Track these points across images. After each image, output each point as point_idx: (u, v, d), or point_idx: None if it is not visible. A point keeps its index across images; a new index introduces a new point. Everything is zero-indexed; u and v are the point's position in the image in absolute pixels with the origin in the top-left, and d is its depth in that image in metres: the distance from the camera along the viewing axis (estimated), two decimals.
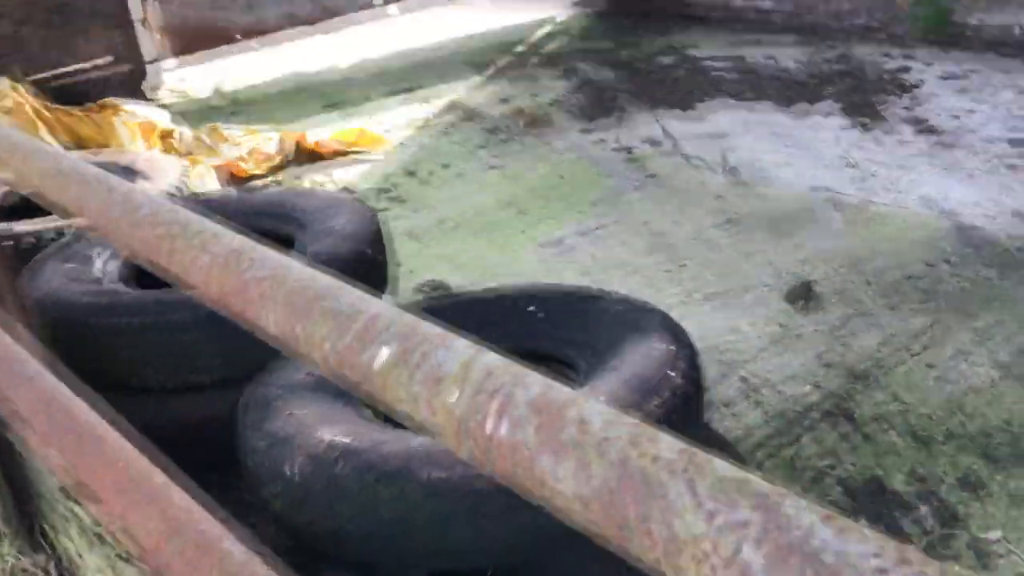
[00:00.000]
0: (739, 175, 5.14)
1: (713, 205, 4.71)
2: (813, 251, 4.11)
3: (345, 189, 5.38)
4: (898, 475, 2.62)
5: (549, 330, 2.64)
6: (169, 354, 2.73)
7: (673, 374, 2.15)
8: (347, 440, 1.97)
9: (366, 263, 3.05)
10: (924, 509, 2.47)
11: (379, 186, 5.42)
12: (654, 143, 5.85)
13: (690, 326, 3.44)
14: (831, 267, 3.95)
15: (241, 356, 2.70)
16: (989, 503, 2.48)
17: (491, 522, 1.80)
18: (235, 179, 5.76)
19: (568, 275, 4.06)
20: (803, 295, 3.71)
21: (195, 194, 4.23)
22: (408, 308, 2.86)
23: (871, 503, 2.51)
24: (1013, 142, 5.36)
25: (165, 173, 4.30)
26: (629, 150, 5.70)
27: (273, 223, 3.48)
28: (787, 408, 2.97)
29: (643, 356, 2.22)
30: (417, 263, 4.32)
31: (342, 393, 2.36)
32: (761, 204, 4.69)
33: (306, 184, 5.54)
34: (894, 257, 4.00)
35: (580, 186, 5.17)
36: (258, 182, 5.63)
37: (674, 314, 3.62)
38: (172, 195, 3.97)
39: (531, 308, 2.73)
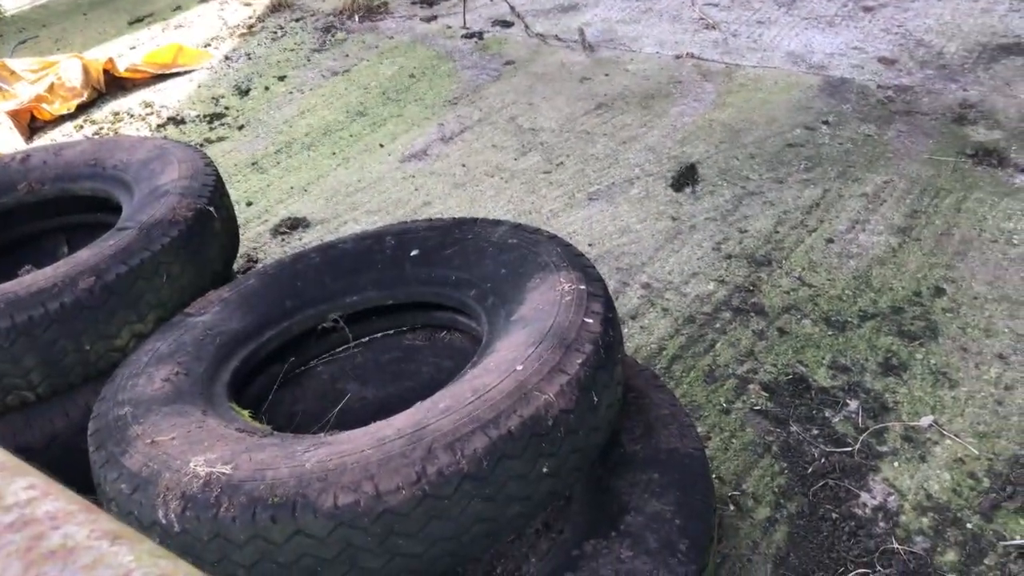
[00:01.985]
0: (599, 51, 4.82)
1: (580, 90, 4.40)
2: (690, 128, 3.90)
3: (171, 120, 4.75)
4: (820, 369, 2.51)
5: (437, 275, 2.31)
6: None
7: (591, 321, 1.90)
8: (226, 470, 1.64)
9: (212, 224, 2.60)
10: (853, 404, 2.37)
11: (209, 111, 4.81)
12: (504, 24, 5.43)
13: (579, 232, 3.21)
14: (711, 144, 3.75)
15: (70, 362, 2.27)
16: (915, 386, 2.41)
17: (408, 543, 1.54)
18: (38, 123, 5.00)
19: (439, 190, 3.71)
20: (689, 179, 3.51)
21: None
22: (276, 266, 2.48)
23: (799, 404, 2.39)
24: None
25: None
26: (480, 35, 5.27)
27: (90, 186, 2.95)
28: (695, 312, 2.80)
29: (551, 301, 1.95)
30: (267, 198, 3.85)
31: (207, 398, 1.99)
32: (628, 82, 4.42)
33: (125, 120, 4.86)
34: (772, 124, 3.84)
35: (434, 83, 4.74)
36: (70, 125, 4.89)
37: (560, 220, 3.38)
38: None
39: (413, 252, 2.40)
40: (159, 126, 4.72)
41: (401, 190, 3.77)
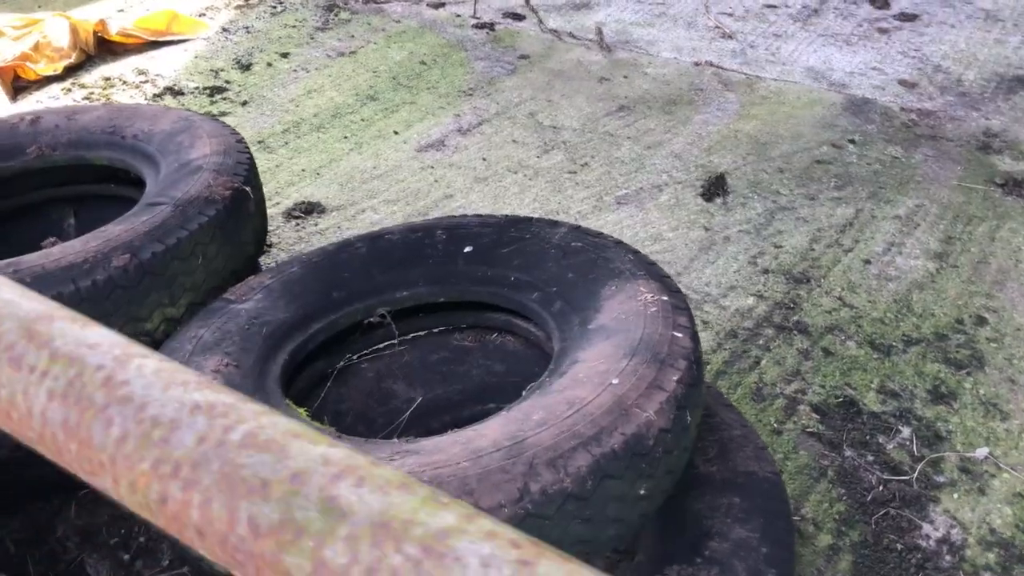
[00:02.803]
0: (616, 52, 4.75)
1: (599, 90, 4.32)
2: (716, 138, 3.85)
3: (169, 91, 4.54)
4: (869, 393, 2.46)
5: (494, 275, 2.21)
6: None
7: (680, 335, 1.81)
8: None
9: (247, 205, 2.45)
10: (906, 431, 2.34)
11: (209, 84, 4.60)
12: (515, 16, 5.32)
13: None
14: (738, 155, 3.70)
15: None
16: (966, 415, 2.38)
17: None
18: (22, 83, 4.73)
19: (460, 183, 3.59)
20: (719, 190, 3.45)
21: None
22: (319, 254, 2.34)
23: (852, 429, 2.34)
24: (874, 1, 5.27)
25: None
26: (491, 26, 5.15)
27: (107, 155, 2.76)
28: (736, 326, 2.74)
29: (635, 312, 1.86)
30: (277, 180, 3.69)
31: (261, 393, 1.86)
32: (649, 86, 4.35)
33: (118, 86, 4.63)
34: (799, 139, 3.81)
35: (446, 72, 4.61)
36: (57, 87, 4.64)
37: (589, 223, 3.29)
38: None
39: (467, 248, 2.29)
40: (155, 95, 4.50)
41: (420, 180, 3.64)
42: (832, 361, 2.59)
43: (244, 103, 4.39)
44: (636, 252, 2.16)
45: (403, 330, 2.29)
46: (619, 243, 2.21)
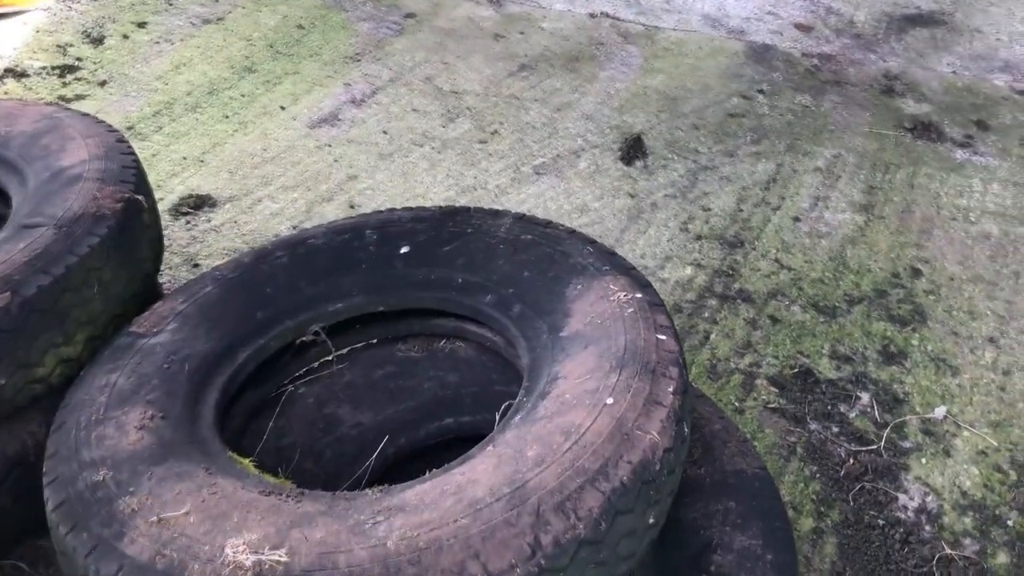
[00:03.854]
0: (506, 6, 4.51)
1: (496, 49, 4.09)
2: (625, 95, 3.71)
3: (10, 73, 4.00)
4: (822, 359, 2.42)
5: (437, 277, 2.00)
6: None
7: (664, 338, 1.67)
8: (280, 557, 1.29)
9: (141, 217, 2.13)
10: (865, 397, 2.31)
11: (57, 62, 4.09)
12: None
13: (533, 211, 2.97)
14: (651, 113, 3.58)
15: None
16: (919, 375, 2.37)
17: None
18: None
19: (362, 162, 3.32)
20: (638, 152, 3.33)
21: None
22: (234, 269, 2.06)
23: (812, 400, 2.29)
24: None
25: None
26: None
27: None
28: (679, 299, 2.64)
29: (610, 315, 1.70)
30: (156, 171, 3.30)
31: (200, 448, 1.60)
32: (547, 42, 4.15)
33: None
34: (708, 92, 3.72)
35: (328, 36, 4.26)
36: None
37: (510, 198, 3.11)
38: None
39: (403, 248, 2.06)
40: None
41: (317, 161, 3.34)
42: (780, 329, 2.53)
43: (102, 83, 3.92)
44: (594, 242, 1.99)
45: (339, 345, 2.06)
46: (573, 233, 2.04)
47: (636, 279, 1.83)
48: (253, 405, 1.93)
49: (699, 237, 2.89)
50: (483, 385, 2.05)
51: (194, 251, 2.86)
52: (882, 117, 3.51)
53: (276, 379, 1.98)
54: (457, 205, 2.30)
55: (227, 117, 3.64)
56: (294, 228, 3.01)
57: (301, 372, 2.03)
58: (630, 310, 1.71)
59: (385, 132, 3.50)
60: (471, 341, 2.07)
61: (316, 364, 2.04)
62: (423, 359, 2.10)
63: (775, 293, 2.66)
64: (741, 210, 3.02)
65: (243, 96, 3.79)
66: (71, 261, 1.89)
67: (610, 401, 1.50)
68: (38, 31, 4.38)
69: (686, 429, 1.56)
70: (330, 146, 3.43)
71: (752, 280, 2.71)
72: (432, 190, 3.17)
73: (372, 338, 2.10)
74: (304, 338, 1.99)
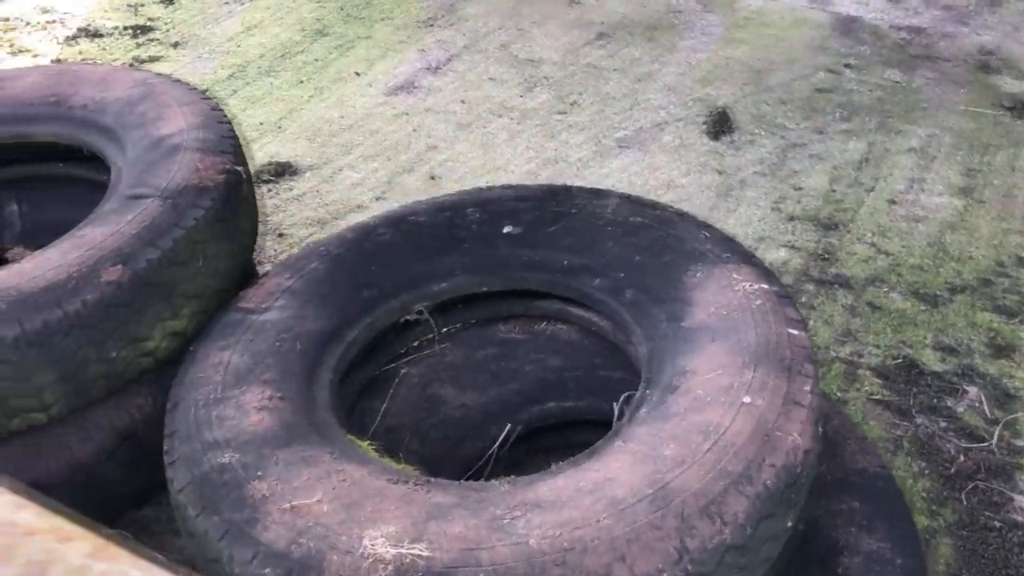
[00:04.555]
0: None
1: (572, 15, 3.99)
2: (707, 67, 3.60)
3: (84, 32, 3.98)
4: (925, 350, 2.35)
5: (543, 259, 1.95)
6: None
7: (796, 332, 1.62)
8: (421, 551, 1.26)
9: (241, 189, 2.10)
10: (972, 391, 2.23)
11: (130, 22, 4.06)
12: None
13: (618, 185, 2.90)
14: (735, 86, 3.48)
15: (93, 375, 1.78)
16: None
17: None
18: None
19: (441, 132, 3.26)
20: (724, 127, 3.23)
21: None
22: (339, 245, 2.02)
23: (918, 392, 2.23)
24: None
25: None
26: None
27: (53, 130, 2.33)
28: None
29: (736, 306, 1.65)
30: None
31: (320, 430, 1.58)
32: (624, 9, 4.04)
33: (20, 29, 4.04)
34: (793, 65, 3.60)
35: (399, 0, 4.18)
36: None
37: (592, 171, 3.05)
38: None
39: (507, 228, 2.02)
40: (68, 38, 3.95)
41: (396, 130, 3.29)
42: (881, 317, 2.45)
43: (175, 44, 3.89)
44: (709, 227, 1.93)
45: (441, 325, 2.02)
46: (684, 215, 1.98)
47: (759, 268, 1.77)
48: (360, 385, 1.90)
49: (792, 218, 2.81)
50: (587, 369, 2.01)
51: (278, 220, 2.84)
52: (978, 95, 3.38)
53: (380, 359, 1.96)
54: (558, 184, 2.25)
55: (302, 82, 3.59)
56: (376, 199, 2.97)
57: (404, 352, 2.00)
58: (758, 302, 1.65)
59: (463, 101, 3.44)
60: (575, 324, 2.02)
61: (418, 343, 2.01)
62: (525, 341, 2.06)
63: (873, 279, 2.58)
64: (834, 190, 2.93)
65: (316, 60, 3.74)
66: (178, 234, 1.87)
67: (747, 400, 1.45)
68: None
69: (821, 429, 1.51)
70: (408, 114, 3.38)
71: (849, 264, 2.63)
72: (513, 162, 3.11)
73: (473, 318, 2.06)
74: (408, 317, 1.96)
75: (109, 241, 1.82)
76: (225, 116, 2.27)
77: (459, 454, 1.92)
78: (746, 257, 1.79)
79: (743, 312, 1.63)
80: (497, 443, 1.82)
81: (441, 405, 1.97)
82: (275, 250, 2.73)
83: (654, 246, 1.87)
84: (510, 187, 2.18)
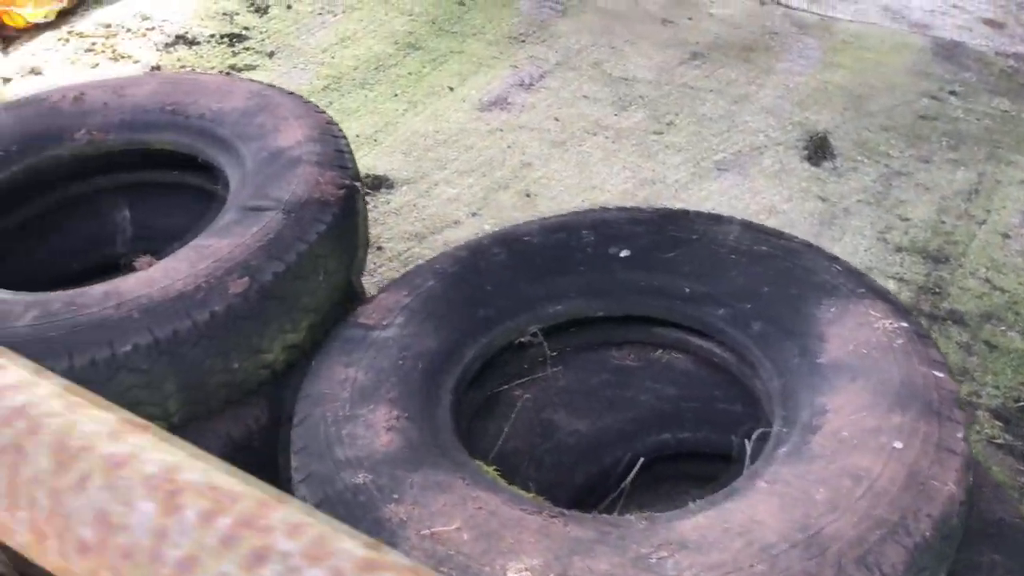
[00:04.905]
0: None
1: (665, 34, 3.95)
2: (806, 90, 3.54)
3: (181, 40, 4.06)
4: None
5: (662, 285, 1.91)
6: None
7: (941, 375, 1.56)
8: None
9: (358, 204, 2.10)
10: None
11: (225, 31, 4.13)
12: None
13: (719, 209, 2.84)
14: (835, 111, 3.41)
15: (215, 384, 1.79)
16: None
17: None
18: (10, 32, 4.21)
19: (535, 149, 3.25)
20: (824, 152, 3.17)
21: None
22: (452, 263, 2.01)
23: None
24: None
25: None
26: None
27: (170, 138, 2.37)
28: None
29: (876, 344, 1.59)
30: None
31: (448, 454, 1.56)
32: (718, 29, 3.99)
33: (121, 35, 4.13)
34: (894, 91, 3.52)
35: (490, 14, 4.19)
36: (52, 36, 4.13)
37: (691, 194, 3.00)
38: None
39: (623, 252, 1.98)
40: (167, 45, 4.03)
41: (490, 146, 3.29)
42: (999, 356, 2.37)
43: (270, 54, 3.94)
44: (837, 259, 1.88)
45: (553, 348, 2.00)
46: (810, 246, 1.93)
47: (895, 305, 1.71)
48: (474, 407, 1.89)
49: (899, 249, 2.73)
50: (704, 401, 1.97)
51: (376, 233, 2.84)
52: None
53: (493, 380, 1.94)
54: (675, 207, 2.22)
55: (396, 95, 3.62)
56: (472, 215, 2.97)
57: (516, 374, 1.98)
58: (899, 341, 1.60)
59: (556, 119, 3.42)
60: (692, 354, 1.98)
61: (530, 366, 1.99)
62: (639, 368, 2.03)
63: (989, 316, 2.49)
64: (943, 222, 2.84)
65: (410, 74, 3.76)
66: (302, 248, 1.88)
67: (899, 445, 1.39)
68: None
69: (971, 478, 1.45)
70: (502, 131, 3.37)
71: (962, 300, 2.55)
72: (609, 182, 3.08)
73: (585, 343, 2.03)
74: (521, 339, 1.94)
75: (235, 253, 1.83)
76: (340, 130, 2.29)
77: (572, 481, 1.90)
78: (881, 293, 1.74)
79: (884, 351, 1.58)
80: (629, 477, 1.78)
81: (555, 431, 1.94)
82: (374, 263, 2.74)
83: (782, 277, 1.83)
84: (623, 209, 2.16)
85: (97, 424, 0.55)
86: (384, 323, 1.83)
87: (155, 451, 0.53)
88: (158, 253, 2.01)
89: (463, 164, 3.19)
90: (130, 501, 0.50)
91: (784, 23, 4.04)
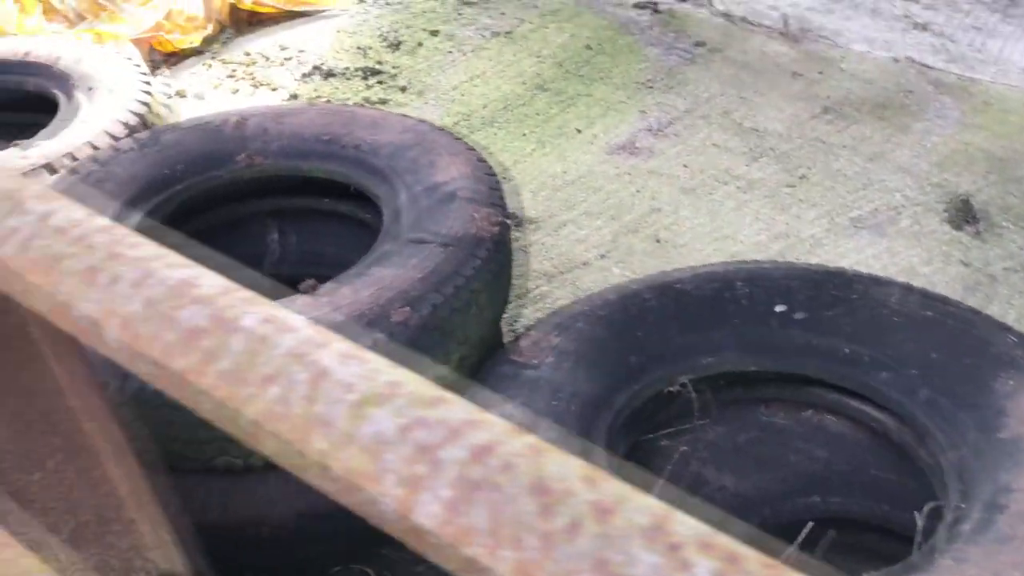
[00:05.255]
0: (803, 43, 4.32)
1: (796, 87, 3.92)
2: (944, 151, 3.44)
3: (317, 70, 4.21)
4: None
5: (821, 344, 1.87)
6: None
7: None
8: None
9: (509, 241, 2.13)
10: None
11: (360, 64, 4.27)
12: None
13: (857, 266, 2.77)
14: (977, 174, 3.30)
15: None
16: None
17: None
18: (158, 55, 4.44)
19: (665, 195, 3.24)
20: (967, 216, 3.06)
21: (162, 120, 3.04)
22: (603, 306, 2.01)
23: None
24: None
25: (110, 73, 3.06)
26: (654, 6, 4.73)
27: (325, 167, 2.45)
28: None
29: None
30: None
31: None
32: (850, 84, 3.93)
33: (260, 63, 4.31)
34: None
35: (617, 60, 4.22)
36: (198, 62, 4.34)
37: (827, 251, 2.94)
38: (136, 128, 2.80)
39: (780, 307, 1.95)
40: (305, 75, 4.18)
41: (619, 189, 3.29)
42: None
43: (403, 89, 4.05)
44: (1010, 329, 1.81)
45: (702, 400, 1.97)
46: (978, 314, 1.86)
47: None
48: (621, 454, 1.87)
49: None
50: (856, 466, 1.91)
51: None
52: None
53: (642, 428, 1.92)
54: (833, 266, 2.17)
55: (524, 135, 3.66)
56: (600, 256, 2.96)
57: (663, 423, 1.95)
58: None
59: (686, 165, 3.41)
60: (847, 417, 1.92)
61: (678, 417, 1.96)
62: (789, 427, 1.98)
63: None
64: None
65: (538, 114, 3.80)
66: (459, 282, 1.90)
67: None
68: (339, 31, 4.60)
69: None
70: (630, 175, 3.37)
71: None
72: (741, 232, 3.04)
73: (734, 397, 2.00)
74: (671, 388, 1.92)
75: (397, 282, 1.87)
76: (491, 168, 2.32)
77: None
78: None
79: None
80: (797, 540, 1.73)
81: (702, 485, 1.91)
82: None
83: (952, 345, 1.76)
84: (777, 264, 2.13)
85: None
86: (535, 362, 1.84)
87: None
88: (304, 278, 2.06)
89: (591, 206, 3.20)
90: None
91: (920, 81, 3.96)
